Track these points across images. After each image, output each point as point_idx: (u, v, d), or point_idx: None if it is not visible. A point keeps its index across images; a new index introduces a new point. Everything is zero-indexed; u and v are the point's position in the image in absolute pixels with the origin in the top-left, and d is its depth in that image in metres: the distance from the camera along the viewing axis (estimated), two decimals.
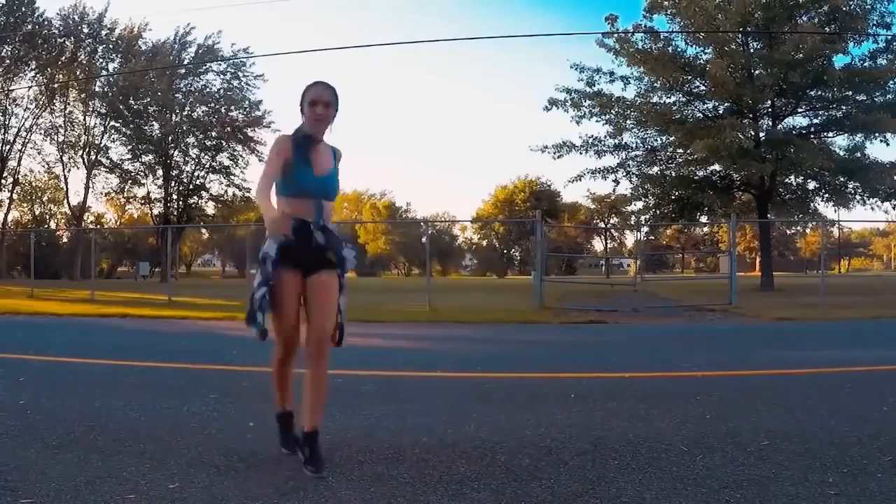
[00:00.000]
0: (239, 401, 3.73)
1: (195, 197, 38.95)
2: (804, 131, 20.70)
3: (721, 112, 20.67)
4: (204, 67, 36.97)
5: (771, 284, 19.80)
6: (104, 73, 35.98)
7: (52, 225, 45.41)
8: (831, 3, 18.14)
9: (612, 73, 20.45)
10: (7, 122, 35.15)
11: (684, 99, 21.18)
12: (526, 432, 2.96)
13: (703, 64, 19.93)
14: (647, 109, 19.97)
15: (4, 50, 33.51)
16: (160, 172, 37.78)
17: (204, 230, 60.32)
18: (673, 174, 21.70)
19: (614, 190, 23.43)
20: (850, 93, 19.13)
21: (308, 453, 2.48)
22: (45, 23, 34.29)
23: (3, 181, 35.68)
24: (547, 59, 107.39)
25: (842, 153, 19.83)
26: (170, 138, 36.91)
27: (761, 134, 20.03)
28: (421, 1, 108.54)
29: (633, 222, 24.29)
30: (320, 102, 2.64)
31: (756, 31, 19.04)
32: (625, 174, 21.60)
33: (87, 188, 37.89)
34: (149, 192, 38.76)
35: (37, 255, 20.82)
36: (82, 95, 36.06)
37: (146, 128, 37.02)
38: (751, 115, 20.30)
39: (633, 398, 3.78)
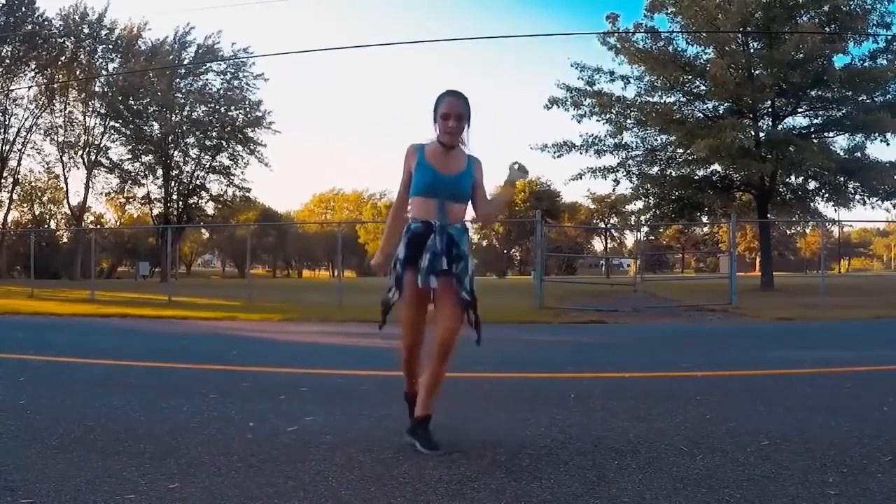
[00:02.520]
0: (239, 401, 3.72)
1: (195, 197, 38.96)
2: (804, 131, 20.69)
3: (721, 112, 20.68)
4: (204, 67, 36.98)
5: (771, 284, 19.81)
6: (104, 73, 35.97)
7: (52, 225, 45.45)
8: (831, 3, 18.15)
9: (612, 73, 20.47)
10: (7, 122, 35.20)
11: (684, 99, 21.18)
12: (526, 432, 2.96)
13: (704, 64, 19.93)
14: (648, 109, 19.97)
15: (4, 50, 33.53)
16: (160, 172, 37.82)
17: (204, 230, 60.37)
18: (673, 174, 21.71)
19: (614, 190, 23.45)
20: (850, 93, 19.12)
21: (422, 434, 2.71)
22: (45, 23, 34.34)
23: (3, 181, 35.70)
24: (547, 59, 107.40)
25: (842, 153, 19.84)
26: (170, 138, 36.93)
27: (761, 134, 20.03)
28: (421, 1, 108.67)
29: (633, 222, 24.30)
30: (452, 115, 2.69)
31: (756, 31, 19.05)
32: (625, 174, 21.61)
33: (87, 188, 37.97)
34: (149, 192, 38.86)
35: (37, 255, 20.84)
36: (82, 95, 36.08)
37: (146, 128, 37.06)
38: (751, 115, 20.30)
39: (633, 398, 3.78)
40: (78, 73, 35.24)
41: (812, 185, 20.86)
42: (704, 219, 24.49)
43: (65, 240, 44.58)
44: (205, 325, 9.61)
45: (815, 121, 21.05)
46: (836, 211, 27.07)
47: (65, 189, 39.45)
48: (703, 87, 20.61)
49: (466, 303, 2.75)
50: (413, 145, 2.82)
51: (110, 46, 36.77)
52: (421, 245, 2.70)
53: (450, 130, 2.70)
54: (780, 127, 20.44)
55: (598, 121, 20.88)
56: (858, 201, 20.12)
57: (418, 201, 2.76)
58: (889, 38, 18.89)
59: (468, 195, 2.81)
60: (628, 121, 20.81)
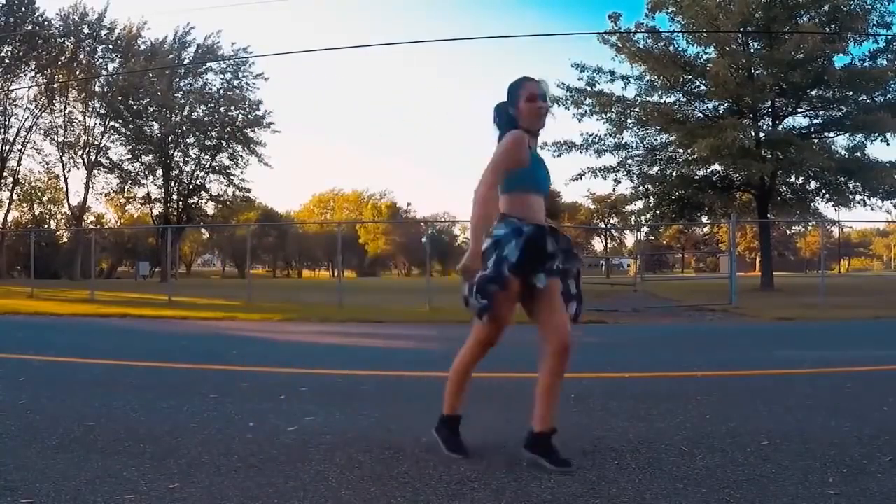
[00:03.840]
0: (239, 401, 3.72)
1: (195, 197, 38.95)
2: (804, 131, 20.71)
3: (721, 112, 20.69)
4: (204, 67, 36.97)
5: (771, 284, 19.81)
6: (104, 73, 35.97)
7: (52, 225, 45.45)
8: (831, 3, 18.16)
9: (612, 73, 20.48)
10: (7, 122, 35.19)
11: (684, 99, 21.19)
12: (526, 432, 2.95)
13: (704, 63, 19.94)
14: (649, 108, 19.97)
15: (4, 50, 33.52)
16: (160, 172, 37.83)
17: (204, 230, 60.36)
18: (673, 174, 21.71)
19: (614, 189, 23.47)
20: (851, 93, 19.14)
21: (549, 454, 2.50)
22: (45, 23, 34.34)
23: (3, 181, 35.69)
24: (549, 59, 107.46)
25: (843, 152, 19.86)
26: (170, 138, 36.91)
27: (761, 134, 20.04)
28: (421, 1, 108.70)
29: (633, 222, 24.32)
30: (540, 96, 2.61)
31: (757, 30, 19.06)
32: (625, 173, 21.63)
33: (87, 188, 37.97)
34: (149, 193, 38.87)
35: (37, 255, 20.83)
36: (82, 95, 36.09)
37: (146, 128, 37.05)
38: (751, 115, 20.31)
39: (633, 398, 3.78)
40: (78, 73, 35.24)
41: (812, 184, 20.88)
42: (704, 219, 24.50)
43: (65, 240, 44.58)
44: (205, 325, 9.61)
45: (816, 121, 21.08)
46: (836, 211, 27.12)
47: (65, 189, 39.52)
48: (703, 87, 20.63)
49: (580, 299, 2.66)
50: (521, 132, 2.55)
51: (110, 46, 36.77)
52: (537, 251, 2.47)
53: (542, 111, 2.59)
54: (780, 127, 20.45)
55: (598, 120, 20.92)
56: (858, 201, 20.14)
57: (527, 198, 2.55)
58: (889, 38, 18.91)
59: None
60: (628, 120, 20.83)
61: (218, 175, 38.93)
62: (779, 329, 8.81)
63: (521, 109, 2.60)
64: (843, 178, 19.65)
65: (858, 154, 19.62)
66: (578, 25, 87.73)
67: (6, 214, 38.59)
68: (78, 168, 38.20)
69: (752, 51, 20.00)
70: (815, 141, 20.12)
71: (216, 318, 10.58)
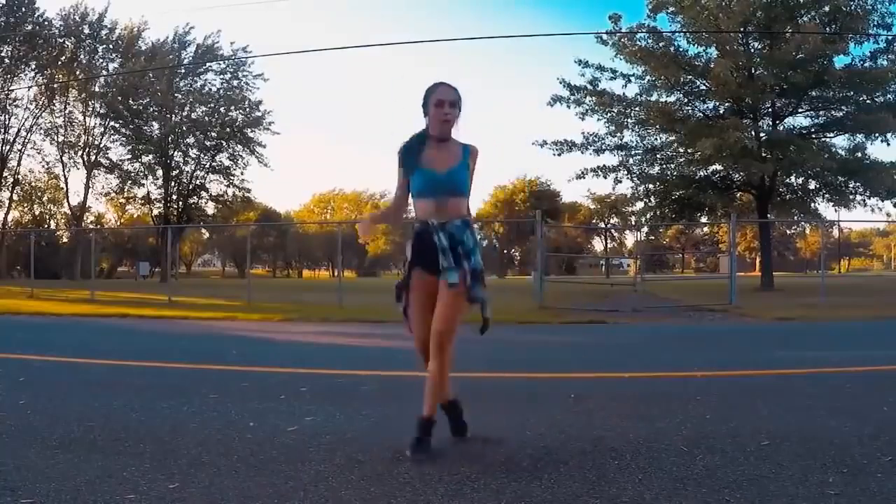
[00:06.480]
0: (239, 401, 3.72)
1: (195, 197, 38.94)
2: (805, 131, 20.71)
3: (721, 112, 20.69)
4: (203, 67, 36.97)
5: (771, 284, 19.82)
6: (104, 73, 35.98)
7: (52, 225, 45.42)
8: (832, 3, 18.16)
9: (614, 71, 20.47)
10: (7, 122, 35.20)
11: (685, 99, 21.19)
12: (526, 432, 2.95)
13: (705, 63, 19.94)
14: (651, 107, 19.97)
15: (4, 50, 33.54)
16: (160, 173, 37.81)
17: (204, 230, 60.36)
18: (674, 174, 21.71)
19: (614, 189, 23.47)
20: (851, 93, 19.15)
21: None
22: (45, 23, 34.37)
23: (3, 181, 35.69)
24: (549, 60, 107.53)
25: (843, 152, 19.86)
26: (170, 138, 36.90)
27: (762, 134, 20.04)
28: (422, 1, 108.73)
29: (633, 222, 24.32)
30: (447, 102, 2.66)
31: (757, 30, 19.06)
32: (625, 173, 21.63)
33: (87, 188, 37.97)
34: (149, 193, 38.84)
35: (37, 255, 20.79)
36: (82, 95, 36.08)
37: (146, 128, 37.04)
38: (751, 116, 20.31)
39: (633, 398, 3.78)
40: (78, 73, 35.25)
41: (812, 185, 20.89)
42: (704, 219, 24.50)
43: (65, 240, 44.56)
44: (205, 325, 9.61)
45: (816, 121, 21.09)
46: (836, 211, 27.14)
47: (65, 189, 39.52)
48: (703, 87, 20.63)
49: (478, 300, 2.71)
50: (402, 145, 2.78)
51: (110, 46, 36.79)
52: (425, 246, 2.68)
53: (445, 117, 2.66)
54: (780, 127, 20.45)
55: (598, 119, 20.93)
56: (858, 202, 20.14)
57: (417, 203, 2.76)
58: (889, 38, 18.91)
59: (465, 188, 2.75)
60: (629, 120, 20.83)
61: (218, 175, 38.94)
62: (779, 329, 8.81)
63: (430, 115, 2.70)
64: (843, 179, 19.66)
65: (859, 154, 19.63)
66: (577, 26, 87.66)
67: (6, 214, 38.64)
68: (78, 168, 38.25)
69: (752, 51, 20.00)
70: (816, 141, 20.11)
71: (216, 318, 10.58)
